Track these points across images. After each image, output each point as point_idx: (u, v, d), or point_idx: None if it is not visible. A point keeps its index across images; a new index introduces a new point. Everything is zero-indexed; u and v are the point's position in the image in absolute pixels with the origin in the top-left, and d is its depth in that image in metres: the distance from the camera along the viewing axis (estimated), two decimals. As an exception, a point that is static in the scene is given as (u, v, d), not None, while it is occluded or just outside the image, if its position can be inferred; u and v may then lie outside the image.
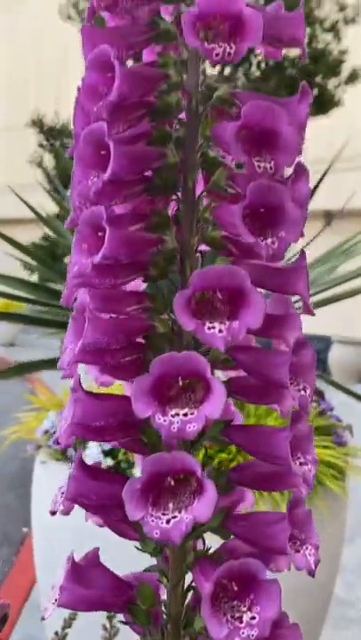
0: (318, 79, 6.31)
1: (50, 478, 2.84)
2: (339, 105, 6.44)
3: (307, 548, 0.56)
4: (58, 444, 0.58)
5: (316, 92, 6.25)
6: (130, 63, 0.64)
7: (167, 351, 0.61)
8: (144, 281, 0.62)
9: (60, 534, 2.28)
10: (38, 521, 2.76)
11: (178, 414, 0.50)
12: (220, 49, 0.52)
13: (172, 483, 0.51)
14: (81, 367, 0.62)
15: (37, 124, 6.66)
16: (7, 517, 4.61)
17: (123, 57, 0.61)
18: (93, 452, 2.61)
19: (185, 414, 0.50)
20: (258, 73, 6.12)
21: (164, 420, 0.49)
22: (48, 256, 8.35)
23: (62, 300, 0.61)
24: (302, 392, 0.57)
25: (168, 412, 0.50)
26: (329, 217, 10.57)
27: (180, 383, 0.51)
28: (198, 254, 0.64)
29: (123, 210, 0.63)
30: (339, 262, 2.98)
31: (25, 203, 3.43)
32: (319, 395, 3.35)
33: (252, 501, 0.67)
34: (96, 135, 0.55)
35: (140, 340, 0.60)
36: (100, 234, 0.55)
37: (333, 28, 6.35)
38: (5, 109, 15.22)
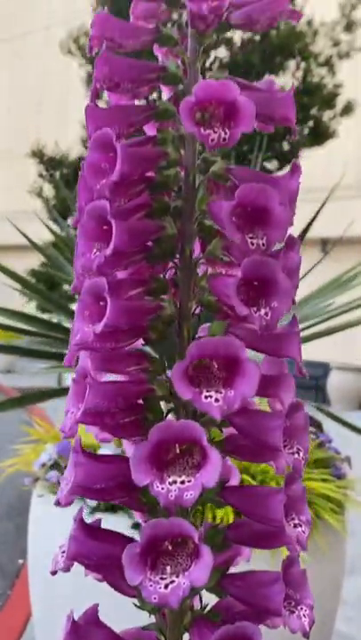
0: (314, 111, 6.45)
1: (47, 512, 2.82)
2: (334, 136, 6.58)
3: (301, 608, 0.57)
4: (59, 504, 0.60)
5: (311, 123, 6.39)
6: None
7: (165, 414, 0.63)
8: (143, 344, 0.64)
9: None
10: (34, 554, 2.74)
11: (175, 482, 0.52)
12: (215, 135, 0.55)
13: (170, 547, 0.53)
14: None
15: (38, 154, 6.79)
16: (3, 548, 4.55)
17: (124, 134, 0.65)
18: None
19: (182, 482, 0.52)
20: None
21: (162, 488, 0.51)
22: (47, 282, 8.41)
23: (65, 362, 0.64)
24: (296, 455, 0.59)
25: (166, 479, 0.52)
26: (326, 244, 10.69)
27: (178, 450, 0.54)
28: (195, 316, 0.67)
29: (124, 274, 0.66)
30: (336, 294, 3.01)
31: (20, 231, 3.49)
32: (318, 426, 3.35)
33: (249, 556, 0.69)
34: (99, 211, 0.58)
35: (139, 401, 0.62)
36: (101, 303, 0.58)
37: (328, 63, 6.52)
38: (6, 138, 15.48)
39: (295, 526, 0.58)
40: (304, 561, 2.24)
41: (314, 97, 6.16)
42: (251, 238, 0.56)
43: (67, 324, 3.91)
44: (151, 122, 0.66)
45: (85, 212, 0.60)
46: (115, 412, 0.61)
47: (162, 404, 0.67)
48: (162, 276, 0.67)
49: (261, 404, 0.75)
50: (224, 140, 0.55)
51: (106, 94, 0.69)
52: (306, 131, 6.31)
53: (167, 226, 0.63)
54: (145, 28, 0.64)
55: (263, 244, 0.56)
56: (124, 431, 0.65)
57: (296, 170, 0.62)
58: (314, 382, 9.05)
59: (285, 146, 6.27)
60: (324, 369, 9.24)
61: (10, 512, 5.11)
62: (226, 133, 0.55)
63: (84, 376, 0.60)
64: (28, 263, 7.92)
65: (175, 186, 0.64)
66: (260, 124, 0.66)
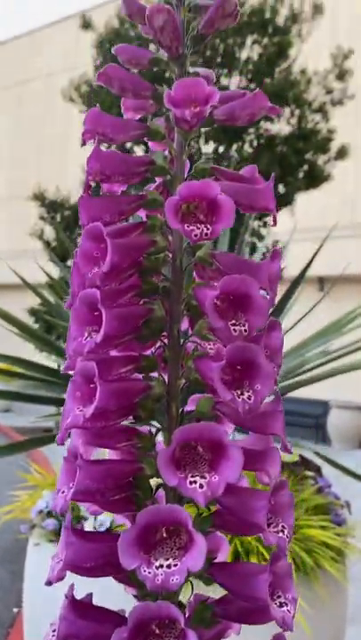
0: (308, 156, 6.61)
1: (43, 561, 2.78)
2: (329, 179, 6.72)
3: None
4: (50, 583, 0.61)
5: (306, 167, 6.54)
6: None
7: (155, 490, 0.65)
8: (132, 422, 0.67)
9: (53, 619, 2.21)
10: (30, 604, 2.69)
11: (162, 565, 0.53)
12: (198, 230, 0.59)
13: (157, 630, 0.54)
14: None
15: (39, 197, 6.94)
16: (-2, 595, 4.44)
17: (115, 221, 0.68)
18: (86, 529, 2.57)
19: (168, 566, 0.53)
20: (250, 150, 6.43)
21: (149, 573, 0.53)
22: (46, 321, 8.45)
23: (57, 440, 0.66)
24: (281, 534, 0.60)
25: (152, 563, 0.54)
26: (323, 282, 10.79)
27: (164, 533, 0.55)
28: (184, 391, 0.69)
29: (114, 352, 0.69)
30: (335, 337, 3.04)
31: (15, 273, 3.55)
32: (317, 470, 3.32)
33: (239, 630, 0.70)
34: (90, 299, 0.61)
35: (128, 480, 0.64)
36: (92, 385, 0.61)
37: (321, 109, 6.72)
38: (9, 181, 15.82)
39: (281, 605, 0.59)
40: (304, 611, 2.20)
41: (308, 142, 6.34)
42: (233, 325, 0.59)
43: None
44: (140, 210, 0.70)
45: (78, 298, 0.63)
46: (105, 491, 0.62)
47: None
48: (151, 352, 0.70)
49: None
50: (206, 235, 0.59)
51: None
52: (301, 174, 6.47)
53: (156, 308, 0.66)
54: (134, 124, 0.69)
55: (245, 331, 0.59)
56: (115, 507, 0.67)
57: (276, 255, 0.66)
58: (314, 421, 8.98)
59: (281, 189, 6.42)
60: (323, 407, 9.18)
61: (5, 558, 5.00)
62: (208, 229, 0.59)
63: (75, 455, 0.62)
64: (29, 302, 7.99)
65: (163, 268, 0.68)
66: (243, 211, 0.70)
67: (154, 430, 0.69)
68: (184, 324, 0.72)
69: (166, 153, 0.72)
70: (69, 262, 6.96)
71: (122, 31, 6.58)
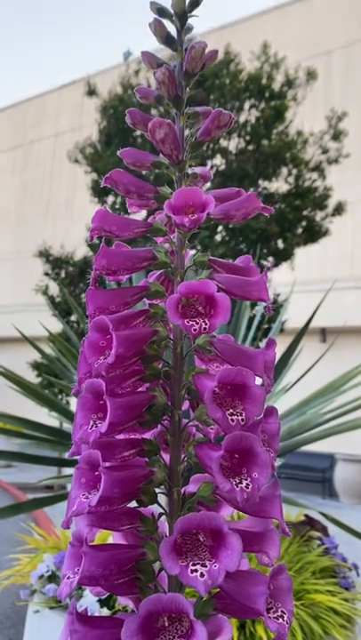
0: (306, 212, 6.79)
1: (43, 629, 2.70)
2: (327, 235, 6.87)
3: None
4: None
5: (304, 223, 6.71)
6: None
7: (157, 573, 0.67)
8: (136, 506, 0.69)
9: None
10: None
11: (164, 656, 0.55)
12: (197, 325, 0.63)
13: (167, 622, 0.55)
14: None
15: (44, 254, 7.10)
16: (-5, 664, 4.27)
17: (120, 310, 0.73)
18: (89, 601, 2.51)
19: (171, 656, 0.54)
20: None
21: (152, 665, 0.54)
22: (49, 374, 8.45)
23: (62, 525, 0.68)
24: (280, 620, 0.61)
25: (155, 653, 0.55)
26: (325, 333, 10.84)
27: (166, 621, 0.57)
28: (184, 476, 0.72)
29: (118, 436, 0.72)
30: (335, 395, 3.05)
31: (16, 328, 3.61)
32: (323, 530, 3.25)
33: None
34: (96, 388, 0.65)
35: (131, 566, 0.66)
36: (96, 473, 0.64)
37: (318, 168, 6.94)
38: (15, 238, 16.21)
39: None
40: None
41: (306, 199, 6.52)
42: (231, 415, 0.62)
43: (67, 424, 3.92)
44: (143, 299, 0.74)
45: (84, 387, 0.67)
46: (109, 576, 0.64)
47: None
48: (153, 435, 0.73)
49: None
50: (205, 329, 0.63)
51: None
52: (300, 230, 6.63)
53: (158, 395, 0.70)
54: (138, 222, 0.75)
55: (242, 420, 0.62)
56: (118, 590, 0.68)
57: (271, 344, 0.70)
58: (320, 475, 8.81)
59: (281, 244, 6.56)
60: (330, 461, 9.02)
61: (4, 624, 4.84)
62: (206, 324, 0.63)
63: (80, 540, 0.65)
64: (34, 355, 8.03)
65: (164, 354, 0.72)
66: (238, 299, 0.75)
67: (156, 513, 0.71)
68: (185, 405, 0.76)
69: (167, 245, 0.77)
70: (72, 317, 7.05)
71: (125, 97, 6.90)
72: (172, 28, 0.81)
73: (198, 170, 0.79)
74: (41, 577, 2.82)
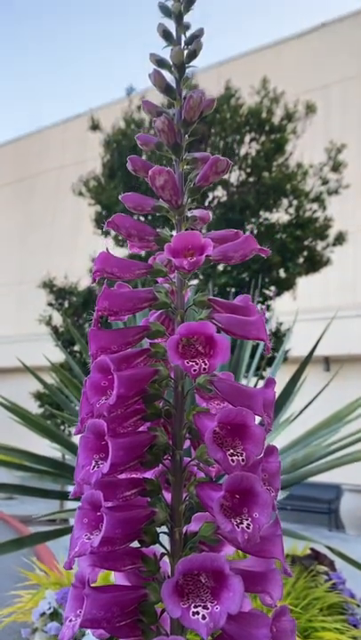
0: (307, 242, 6.85)
1: (45, 670, 2.63)
2: (328, 264, 6.92)
3: None
4: None
5: (305, 253, 6.76)
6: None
7: (159, 615, 0.66)
8: (138, 546, 0.69)
9: None
10: None
11: None
12: (197, 366, 0.65)
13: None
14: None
15: (48, 285, 7.17)
16: None
17: (121, 350, 0.74)
18: (92, 640, 2.46)
19: None
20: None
21: None
22: (52, 405, 8.42)
23: (65, 566, 0.68)
24: (284, 662, 0.61)
25: None
26: (328, 362, 10.80)
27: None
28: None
29: (120, 476, 0.73)
30: (340, 426, 3.04)
31: (18, 359, 3.63)
32: (330, 565, 3.19)
33: None
34: (98, 429, 0.66)
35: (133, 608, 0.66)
36: (98, 513, 0.64)
37: (318, 199, 7.03)
38: (20, 269, 16.34)
39: None
40: None
41: (307, 230, 6.59)
42: (232, 455, 0.63)
43: (68, 456, 3.90)
44: (144, 339, 0.76)
45: (87, 427, 0.68)
46: (112, 618, 0.64)
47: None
48: (154, 474, 0.74)
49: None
50: (205, 369, 0.65)
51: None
52: (301, 260, 6.68)
53: (159, 434, 0.71)
54: (139, 264, 0.77)
55: (243, 460, 0.63)
56: (121, 632, 0.68)
57: (271, 383, 0.71)
58: (326, 506, 8.66)
59: (283, 273, 6.61)
60: (336, 492, 8.88)
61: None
62: (206, 365, 0.65)
63: (83, 582, 0.65)
64: (38, 384, 8.01)
65: (165, 393, 0.73)
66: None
67: (158, 553, 0.71)
68: (186, 443, 0.76)
69: (167, 285, 0.79)
70: (75, 347, 7.06)
71: (128, 132, 7.05)
72: (168, 69, 0.84)
73: (197, 212, 0.82)
74: (42, 614, 2.77)
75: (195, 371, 0.65)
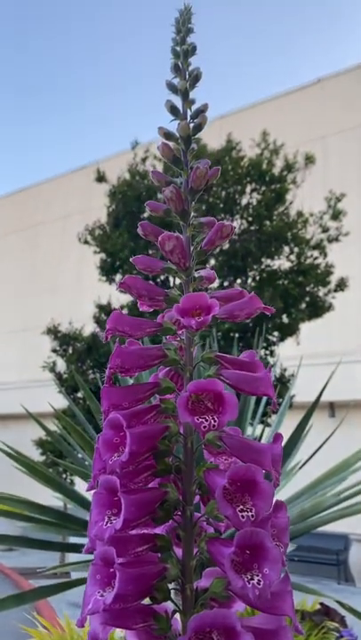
0: (309, 288, 6.93)
1: None
2: (330, 310, 6.98)
3: None
4: None
5: (308, 299, 6.83)
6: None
7: None
8: (149, 604, 0.70)
9: None
10: None
11: None
12: (206, 422, 0.67)
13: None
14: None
15: (52, 331, 7.24)
16: None
17: (132, 406, 0.77)
18: None
19: None
20: (253, 284, 6.78)
21: None
22: (54, 452, 8.33)
23: (77, 624, 0.69)
24: None
25: None
26: (333, 407, 10.72)
27: None
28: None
29: (132, 532, 0.74)
30: (347, 475, 3.01)
31: (22, 405, 3.63)
32: (341, 620, 3.09)
33: None
34: (110, 485, 0.68)
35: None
36: (111, 570, 0.65)
37: (319, 246, 7.16)
38: (24, 316, 16.52)
39: None
40: None
41: (308, 276, 6.69)
42: (241, 512, 0.65)
43: (70, 506, 3.84)
44: (154, 396, 0.79)
45: (100, 483, 0.70)
46: None
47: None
48: (165, 530, 0.75)
49: None
50: (214, 426, 0.67)
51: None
52: (303, 305, 6.75)
53: (170, 491, 0.72)
54: (149, 323, 0.81)
55: (252, 516, 0.65)
56: None
57: (278, 438, 0.73)
58: (334, 557, 8.41)
59: (285, 319, 6.67)
60: (344, 542, 8.64)
61: None
62: (215, 421, 0.67)
63: (95, 640, 0.65)
64: (41, 431, 7.96)
65: (175, 448, 0.75)
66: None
67: (170, 610, 0.71)
68: (196, 498, 0.78)
69: (176, 342, 0.83)
70: (79, 394, 7.05)
71: (133, 183, 7.26)
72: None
73: (203, 273, 0.86)
74: (44, 675, 2.67)
75: (205, 427, 0.67)
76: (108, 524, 0.66)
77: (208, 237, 0.82)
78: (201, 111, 0.91)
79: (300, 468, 3.10)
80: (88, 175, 9.27)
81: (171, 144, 0.90)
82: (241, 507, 0.65)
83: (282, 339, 6.75)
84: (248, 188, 6.92)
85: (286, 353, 7.00)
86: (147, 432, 0.72)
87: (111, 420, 0.71)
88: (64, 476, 8.24)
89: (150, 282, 0.83)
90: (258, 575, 0.63)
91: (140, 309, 0.87)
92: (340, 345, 10.90)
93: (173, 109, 0.91)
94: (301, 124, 13.10)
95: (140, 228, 0.85)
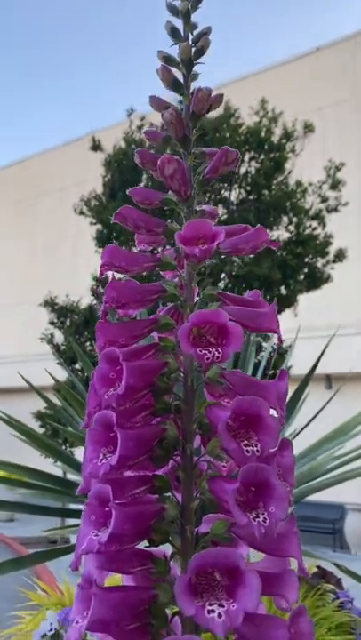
0: (308, 259, 6.86)
1: None
2: (329, 281, 6.92)
3: None
4: None
5: (306, 270, 6.77)
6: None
7: (171, 618, 0.63)
8: (147, 546, 0.66)
9: None
10: None
11: None
12: (210, 354, 0.63)
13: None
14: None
15: (50, 303, 7.17)
16: None
17: (130, 344, 0.73)
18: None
19: None
20: (252, 255, 6.70)
21: None
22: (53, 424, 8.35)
23: (71, 566, 0.65)
24: (303, 665, 0.58)
25: None
26: (330, 380, 10.75)
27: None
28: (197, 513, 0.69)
29: (128, 473, 0.70)
30: (345, 440, 3.00)
31: (22, 377, 3.61)
32: (337, 583, 3.11)
33: None
34: (106, 420, 0.64)
35: (144, 609, 0.63)
36: (106, 509, 0.62)
37: (318, 217, 7.07)
38: (22, 289, 16.39)
39: None
40: None
41: (307, 247, 6.62)
42: (246, 446, 0.61)
43: (71, 475, 3.85)
44: (153, 333, 0.74)
45: (95, 419, 0.65)
46: (120, 620, 0.61)
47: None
48: (164, 472, 0.71)
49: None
50: (218, 358, 0.63)
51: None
52: (302, 277, 6.69)
53: (169, 428, 0.68)
54: (147, 257, 0.75)
55: (258, 451, 0.61)
56: (129, 638, 0.65)
57: (283, 375, 0.69)
58: (330, 526, 8.52)
59: (283, 290, 6.61)
60: (340, 511, 8.75)
61: None
62: (219, 353, 0.63)
63: (90, 582, 0.62)
64: (38, 405, 7.97)
65: (175, 387, 0.71)
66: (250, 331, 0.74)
67: (168, 553, 0.68)
68: (196, 442, 0.74)
69: (177, 280, 0.78)
70: (77, 365, 7.03)
71: (129, 151, 7.12)
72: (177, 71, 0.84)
73: (205, 207, 0.81)
74: (44, 636, 2.69)
75: (207, 359, 0.63)
76: (104, 461, 0.62)
77: (211, 164, 0.77)
78: (204, 34, 0.84)
79: (297, 435, 3.09)
80: (84, 147, 9.09)
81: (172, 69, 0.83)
82: (245, 442, 0.61)
83: (280, 310, 6.70)
84: (247, 157, 6.79)
85: (284, 326, 6.95)
86: (145, 366, 0.68)
87: (107, 353, 0.66)
88: (64, 447, 8.27)
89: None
90: (263, 514, 0.59)
91: (138, 247, 0.82)
92: (339, 318, 10.87)
93: (174, 31, 0.84)
94: (300, 93, 12.83)
95: (138, 156, 0.79)
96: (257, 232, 0.74)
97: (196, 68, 0.84)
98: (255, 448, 0.61)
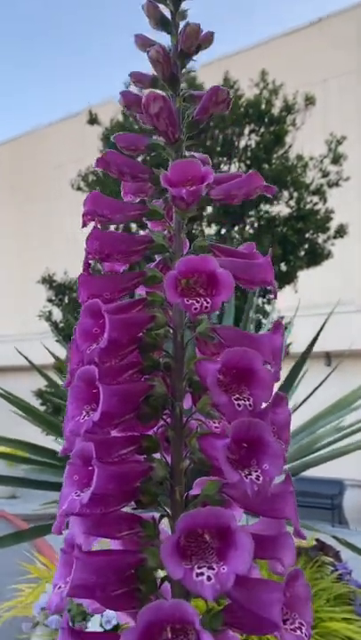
0: (308, 235, 6.78)
1: (46, 665, 2.57)
2: (329, 257, 6.85)
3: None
4: None
5: (306, 246, 6.69)
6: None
7: (160, 584, 0.60)
8: (135, 508, 0.63)
9: None
10: None
11: (166, 672, 0.48)
12: (198, 304, 0.58)
13: (170, 634, 0.50)
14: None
15: (48, 280, 7.11)
16: None
17: (115, 298, 0.68)
18: (95, 627, 2.41)
19: (174, 672, 0.48)
20: (251, 231, 6.62)
21: None
22: (53, 403, 8.35)
23: (54, 529, 0.62)
24: (298, 632, 0.55)
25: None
26: (330, 357, 10.73)
27: (169, 632, 0.50)
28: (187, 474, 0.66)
29: (115, 432, 0.66)
30: (345, 413, 2.97)
31: (22, 355, 3.58)
32: (335, 555, 3.13)
33: None
34: (88, 376, 0.60)
35: (130, 573, 0.59)
36: (90, 468, 0.58)
37: (319, 191, 6.97)
38: (20, 267, 16.30)
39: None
40: None
41: (308, 222, 6.53)
42: (237, 400, 0.57)
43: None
44: (140, 287, 0.69)
45: (76, 375, 0.61)
46: (105, 585, 0.58)
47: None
48: (153, 432, 0.67)
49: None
50: (206, 307, 0.58)
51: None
52: (302, 253, 6.62)
53: (157, 385, 0.64)
54: (132, 205, 0.70)
55: (250, 405, 0.57)
56: (116, 604, 0.61)
57: (278, 327, 0.64)
58: (329, 501, 8.58)
59: (283, 267, 6.55)
60: (339, 487, 8.81)
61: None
62: (208, 302, 0.58)
63: (72, 546, 0.58)
64: (37, 383, 7.97)
65: (164, 344, 0.67)
66: (243, 286, 0.70)
67: (157, 516, 0.65)
68: (187, 402, 0.70)
69: (165, 232, 0.73)
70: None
71: (126, 124, 6.98)
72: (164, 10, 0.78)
73: (196, 154, 0.76)
74: (43, 608, 2.71)
75: (195, 309, 0.58)
76: (86, 418, 0.58)
77: (201, 104, 0.71)
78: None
79: (296, 410, 3.06)
80: (81, 122, 8.93)
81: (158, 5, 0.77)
82: (237, 395, 0.57)
83: (280, 287, 6.64)
84: (247, 130, 6.66)
85: (284, 304, 6.91)
86: (129, 319, 0.63)
87: (89, 305, 0.62)
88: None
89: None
90: (256, 471, 0.56)
91: (123, 198, 0.77)
92: (339, 295, 10.81)
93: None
94: (301, 65, 12.56)
95: (121, 98, 0.73)
96: (250, 177, 0.69)
97: (184, 5, 0.77)
98: (247, 402, 0.57)
